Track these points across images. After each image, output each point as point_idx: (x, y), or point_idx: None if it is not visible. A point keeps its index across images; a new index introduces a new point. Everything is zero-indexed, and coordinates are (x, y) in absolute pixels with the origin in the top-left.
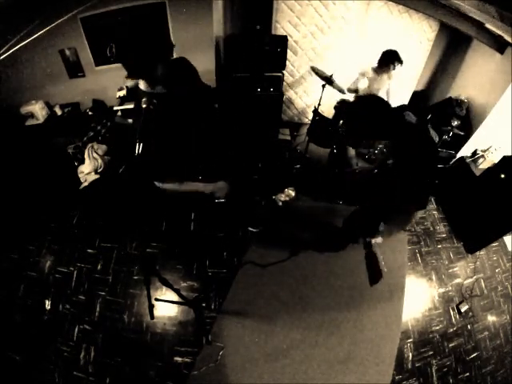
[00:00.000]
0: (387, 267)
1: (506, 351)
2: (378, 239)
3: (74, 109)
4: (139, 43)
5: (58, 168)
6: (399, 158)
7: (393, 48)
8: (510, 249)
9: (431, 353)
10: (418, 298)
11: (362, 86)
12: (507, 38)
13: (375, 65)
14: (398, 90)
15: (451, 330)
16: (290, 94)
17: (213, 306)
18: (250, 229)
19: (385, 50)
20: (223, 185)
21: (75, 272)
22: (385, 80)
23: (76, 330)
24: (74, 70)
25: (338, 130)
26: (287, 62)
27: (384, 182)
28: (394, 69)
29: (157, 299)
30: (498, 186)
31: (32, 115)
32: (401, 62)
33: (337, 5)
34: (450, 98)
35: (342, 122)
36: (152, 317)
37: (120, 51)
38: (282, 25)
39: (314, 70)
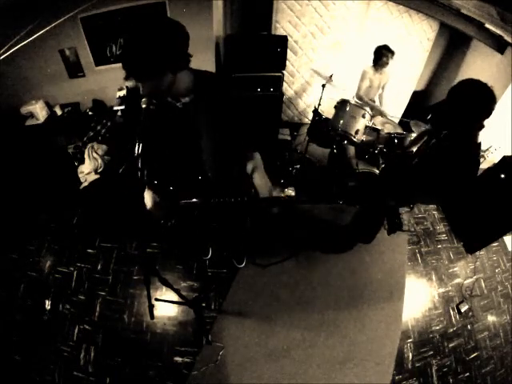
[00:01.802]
0: (387, 267)
1: (505, 351)
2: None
3: (74, 109)
4: (152, 44)
5: (58, 168)
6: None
7: (393, 48)
8: (510, 249)
9: (431, 353)
10: (418, 298)
11: (365, 85)
12: (507, 38)
13: (372, 64)
14: (397, 89)
15: (451, 330)
16: (289, 93)
17: (213, 306)
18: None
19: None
20: (154, 202)
21: (75, 272)
22: (383, 76)
23: (76, 330)
24: (74, 69)
25: (338, 130)
26: (287, 62)
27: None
28: (387, 61)
29: (157, 299)
30: (498, 186)
31: (32, 115)
32: (391, 52)
33: (337, 5)
34: None
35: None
36: (152, 317)
37: (129, 49)
38: (282, 25)
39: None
